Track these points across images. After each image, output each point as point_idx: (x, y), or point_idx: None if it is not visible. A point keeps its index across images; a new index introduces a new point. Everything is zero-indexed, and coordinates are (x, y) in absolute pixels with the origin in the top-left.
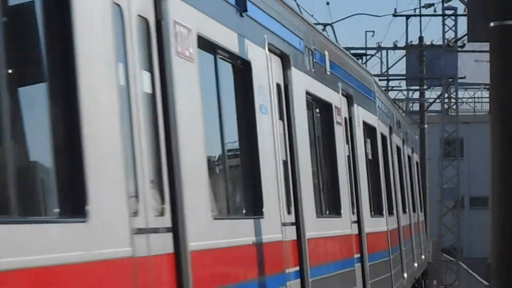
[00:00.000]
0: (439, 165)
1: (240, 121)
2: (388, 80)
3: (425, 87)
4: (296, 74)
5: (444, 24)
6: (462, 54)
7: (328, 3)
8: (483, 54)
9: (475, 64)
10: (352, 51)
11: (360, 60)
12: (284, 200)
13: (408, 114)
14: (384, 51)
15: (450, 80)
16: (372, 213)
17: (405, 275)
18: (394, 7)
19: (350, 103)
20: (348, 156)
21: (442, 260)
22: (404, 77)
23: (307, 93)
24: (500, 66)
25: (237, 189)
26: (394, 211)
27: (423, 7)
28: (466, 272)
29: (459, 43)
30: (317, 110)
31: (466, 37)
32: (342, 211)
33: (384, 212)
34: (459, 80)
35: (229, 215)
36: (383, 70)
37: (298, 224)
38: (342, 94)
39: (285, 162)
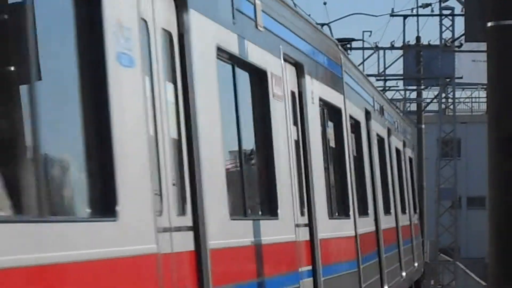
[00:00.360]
0: (437, 165)
1: (77, 71)
2: (385, 80)
3: (422, 87)
4: (198, 21)
5: (441, 24)
6: (460, 54)
7: (325, 3)
8: (480, 54)
9: (472, 64)
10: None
11: (348, 45)
12: (173, 196)
13: (406, 114)
14: (381, 51)
15: (447, 80)
16: (336, 213)
17: (386, 287)
18: (391, 7)
19: (300, 74)
20: (296, 141)
21: (439, 260)
22: (402, 77)
23: (221, 50)
24: (497, 66)
25: (64, 178)
26: (370, 212)
27: (420, 7)
28: (463, 272)
29: (456, 43)
30: (242, 76)
31: (463, 37)
32: (279, 211)
33: (351, 213)
34: (456, 80)
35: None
36: (381, 70)
37: (196, 228)
38: (286, 61)
39: (177, 142)
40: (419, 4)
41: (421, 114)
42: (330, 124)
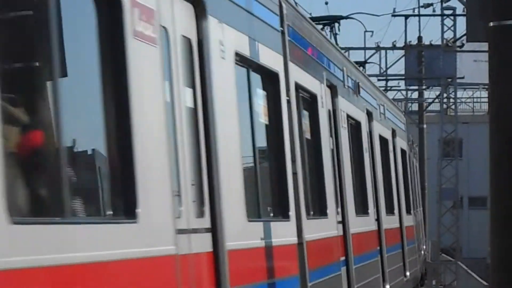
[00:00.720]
0: (438, 165)
1: None
2: (387, 80)
3: (424, 87)
4: None
5: (443, 24)
6: (461, 54)
7: (327, 3)
8: (482, 54)
9: (474, 64)
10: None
11: (333, 27)
12: None
13: (407, 114)
14: (383, 51)
15: (449, 80)
16: (271, 214)
17: None
18: (393, 7)
19: (200, 15)
20: (192, 110)
21: (441, 260)
22: (403, 77)
23: None
24: (498, 66)
25: None
26: (331, 213)
27: (422, 7)
28: (465, 272)
29: (458, 43)
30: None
31: (465, 37)
32: (139, 211)
33: (291, 214)
34: (458, 80)
35: None
36: (382, 70)
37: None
38: None
39: None
40: (421, 4)
41: (423, 114)
42: (260, 93)
